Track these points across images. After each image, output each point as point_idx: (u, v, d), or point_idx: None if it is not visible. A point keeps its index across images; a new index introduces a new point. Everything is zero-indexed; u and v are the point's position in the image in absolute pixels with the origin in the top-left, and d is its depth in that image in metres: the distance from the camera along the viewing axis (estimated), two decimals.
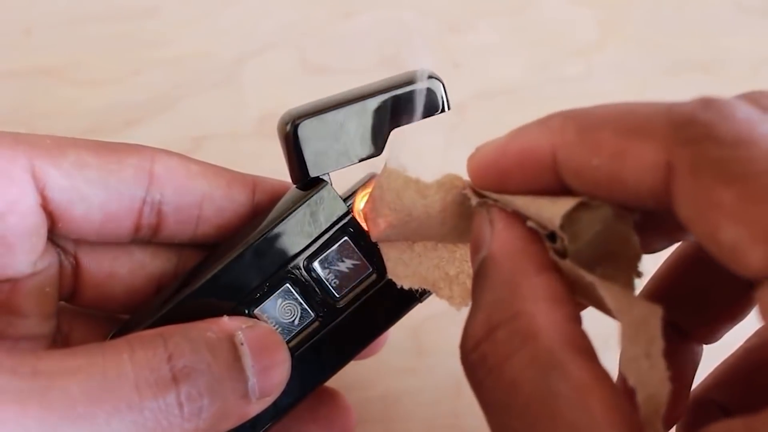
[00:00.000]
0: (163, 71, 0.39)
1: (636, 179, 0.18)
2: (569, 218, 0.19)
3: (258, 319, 0.25)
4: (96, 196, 0.25)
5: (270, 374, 0.23)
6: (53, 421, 0.19)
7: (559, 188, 0.20)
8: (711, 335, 0.26)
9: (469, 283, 0.25)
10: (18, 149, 0.24)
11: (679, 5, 0.43)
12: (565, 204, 0.19)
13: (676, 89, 0.41)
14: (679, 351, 0.26)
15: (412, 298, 0.26)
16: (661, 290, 0.26)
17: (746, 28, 0.43)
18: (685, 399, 0.26)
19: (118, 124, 0.38)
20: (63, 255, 0.27)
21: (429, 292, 0.26)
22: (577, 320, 0.19)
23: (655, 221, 0.22)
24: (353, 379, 0.26)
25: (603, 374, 0.17)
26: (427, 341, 0.32)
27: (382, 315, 0.26)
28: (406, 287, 0.25)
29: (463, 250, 0.25)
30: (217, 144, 0.39)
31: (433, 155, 0.39)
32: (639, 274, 0.20)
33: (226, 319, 0.23)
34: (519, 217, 0.20)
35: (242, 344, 0.23)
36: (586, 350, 0.18)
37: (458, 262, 0.25)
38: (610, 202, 0.19)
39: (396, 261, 0.26)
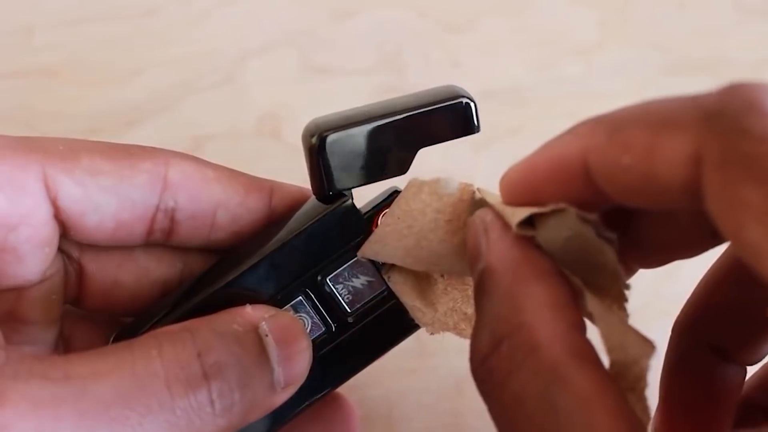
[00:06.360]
0: (163, 71, 0.39)
1: (667, 174, 0.17)
2: (539, 223, 0.19)
3: None
4: (109, 205, 0.24)
5: (294, 363, 0.23)
6: (87, 425, 0.19)
7: (591, 197, 0.19)
8: (753, 355, 0.25)
9: None
10: (31, 157, 0.23)
11: (679, 5, 0.43)
12: (524, 210, 0.19)
13: (676, 89, 0.41)
14: (720, 373, 0.25)
15: None
16: (699, 310, 0.25)
17: (746, 28, 0.43)
18: (727, 425, 0.25)
19: (118, 124, 0.38)
20: (68, 261, 0.26)
21: None
22: (581, 327, 0.18)
23: (647, 237, 0.22)
24: (355, 379, 0.26)
25: (606, 382, 0.17)
26: (429, 342, 0.32)
27: (392, 331, 0.26)
28: (435, 334, 0.25)
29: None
30: (217, 144, 0.39)
31: (432, 155, 0.38)
32: (626, 287, 0.19)
33: (249, 309, 0.23)
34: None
35: (267, 335, 0.23)
36: (589, 358, 0.18)
37: (472, 299, 0.25)
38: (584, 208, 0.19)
39: (413, 309, 0.25)
